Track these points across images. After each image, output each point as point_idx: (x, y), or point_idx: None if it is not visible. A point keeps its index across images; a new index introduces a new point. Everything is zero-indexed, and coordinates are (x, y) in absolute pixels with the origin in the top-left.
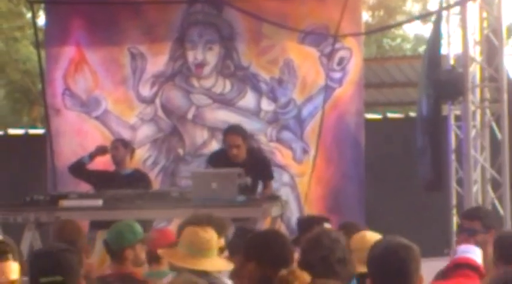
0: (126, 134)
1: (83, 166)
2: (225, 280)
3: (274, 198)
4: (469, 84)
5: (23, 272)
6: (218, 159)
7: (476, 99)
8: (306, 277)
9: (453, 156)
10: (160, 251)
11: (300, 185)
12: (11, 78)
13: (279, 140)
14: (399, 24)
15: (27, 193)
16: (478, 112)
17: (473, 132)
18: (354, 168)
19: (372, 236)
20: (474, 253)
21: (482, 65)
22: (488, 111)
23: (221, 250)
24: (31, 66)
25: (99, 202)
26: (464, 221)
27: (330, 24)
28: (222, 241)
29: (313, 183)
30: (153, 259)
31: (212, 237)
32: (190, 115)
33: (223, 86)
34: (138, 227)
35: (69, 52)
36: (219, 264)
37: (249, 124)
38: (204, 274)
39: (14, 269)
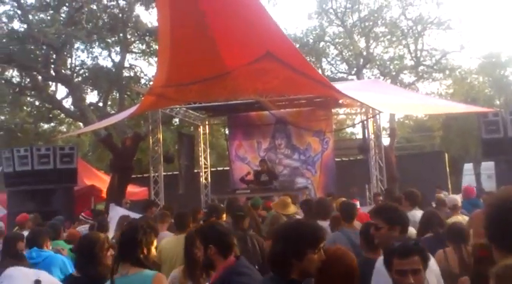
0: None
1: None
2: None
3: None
4: None
5: None
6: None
7: None
8: None
9: None
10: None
11: (314, 183)
12: None
13: (307, 167)
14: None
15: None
16: None
17: None
18: (332, 178)
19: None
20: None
21: None
22: None
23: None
24: None
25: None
26: None
27: (321, 128)
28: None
29: (318, 185)
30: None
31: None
32: (277, 161)
33: (288, 151)
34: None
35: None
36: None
37: (296, 162)
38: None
39: None
